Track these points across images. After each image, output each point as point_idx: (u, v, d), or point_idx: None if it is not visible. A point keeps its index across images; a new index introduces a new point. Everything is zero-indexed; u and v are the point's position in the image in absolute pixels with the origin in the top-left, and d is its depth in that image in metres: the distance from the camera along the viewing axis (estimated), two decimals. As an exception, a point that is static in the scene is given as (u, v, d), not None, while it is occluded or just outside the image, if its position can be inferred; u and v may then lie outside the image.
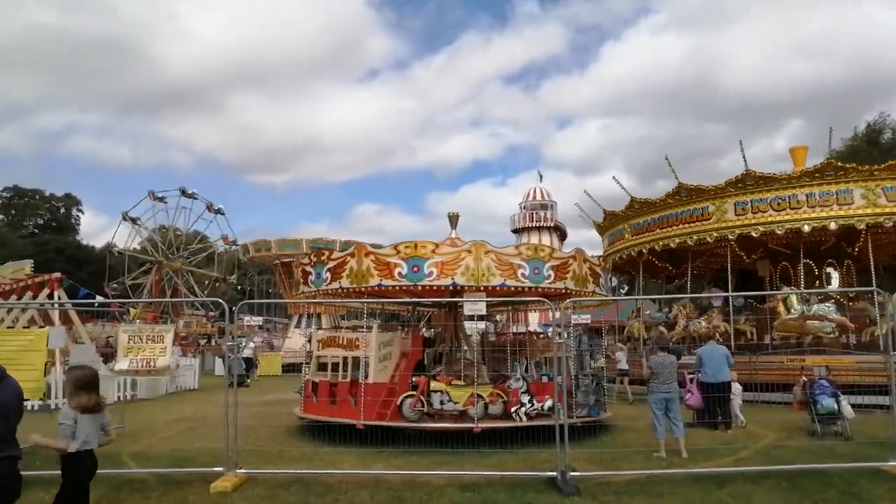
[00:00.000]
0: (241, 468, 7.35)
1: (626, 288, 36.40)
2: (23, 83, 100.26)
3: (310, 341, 12.30)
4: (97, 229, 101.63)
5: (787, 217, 15.65)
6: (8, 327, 17.75)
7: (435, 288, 10.24)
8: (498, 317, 20.20)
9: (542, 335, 16.72)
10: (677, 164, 18.23)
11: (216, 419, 10.38)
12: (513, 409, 9.85)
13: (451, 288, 10.24)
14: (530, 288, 10.39)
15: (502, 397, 10.12)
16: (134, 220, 41.40)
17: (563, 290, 10.88)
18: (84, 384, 4.61)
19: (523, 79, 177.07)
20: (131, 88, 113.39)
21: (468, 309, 9.89)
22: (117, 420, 10.90)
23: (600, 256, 16.98)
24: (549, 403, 9.63)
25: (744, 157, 16.34)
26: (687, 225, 17.30)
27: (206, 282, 44.36)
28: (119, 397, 15.86)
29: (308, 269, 11.55)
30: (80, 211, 67.69)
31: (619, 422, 11.52)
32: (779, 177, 15.99)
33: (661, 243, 17.92)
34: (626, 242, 19.71)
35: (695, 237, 17.04)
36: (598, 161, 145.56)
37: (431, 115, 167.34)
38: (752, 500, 6.43)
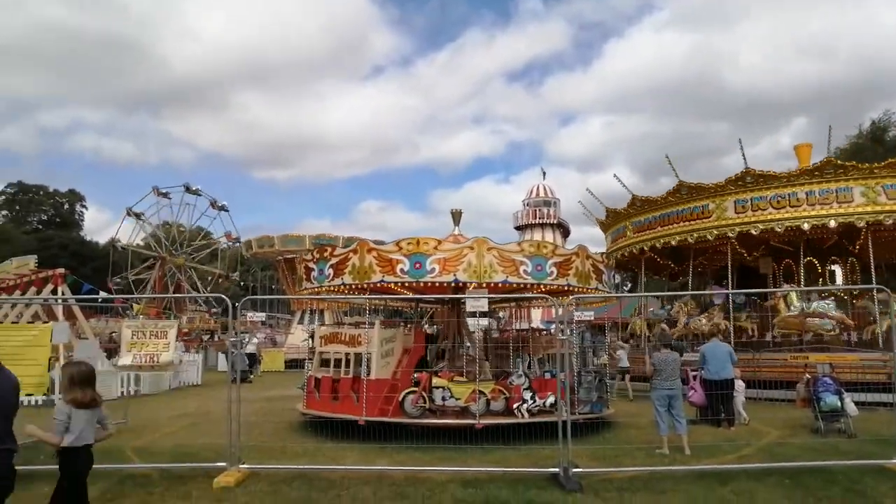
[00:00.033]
0: (243, 464, 7.37)
1: (630, 285, 36.33)
2: (28, 80, 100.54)
3: (311, 337, 12.30)
4: (101, 225, 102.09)
5: (786, 215, 15.62)
6: (12, 323, 17.83)
7: (437, 284, 10.23)
8: (500, 313, 20.20)
9: (544, 332, 16.71)
10: (680, 162, 18.26)
11: (219, 415, 10.43)
12: (515, 406, 9.85)
13: (453, 284, 10.24)
14: (533, 285, 10.38)
15: (504, 394, 10.11)
16: (138, 216, 41.55)
17: (566, 287, 10.86)
18: (79, 380, 4.63)
19: (527, 76, 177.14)
20: (136, 85, 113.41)
21: (470, 305, 9.85)
22: (120, 415, 10.95)
23: (603, 253, 16.96)
24: (551, 400, 9.63)
25: (743, 155, 16.32)
26: (687, 223, 17.28)
27: (210, 278, 44.44)
28: (122, 392, 15.92)
29: (311, 265, 11.56)
30: (83, 207, 68.14)
31: (621, 418, 11.53)
32: (778, 175, 15.95)
33: (662, 241, 17.90)
34: (628, 240, 19.69)
35: (695, 235, 17.03)
36: (601, 158, 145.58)
37: (435, 112, 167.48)
38: (754, 497, 6.42)
